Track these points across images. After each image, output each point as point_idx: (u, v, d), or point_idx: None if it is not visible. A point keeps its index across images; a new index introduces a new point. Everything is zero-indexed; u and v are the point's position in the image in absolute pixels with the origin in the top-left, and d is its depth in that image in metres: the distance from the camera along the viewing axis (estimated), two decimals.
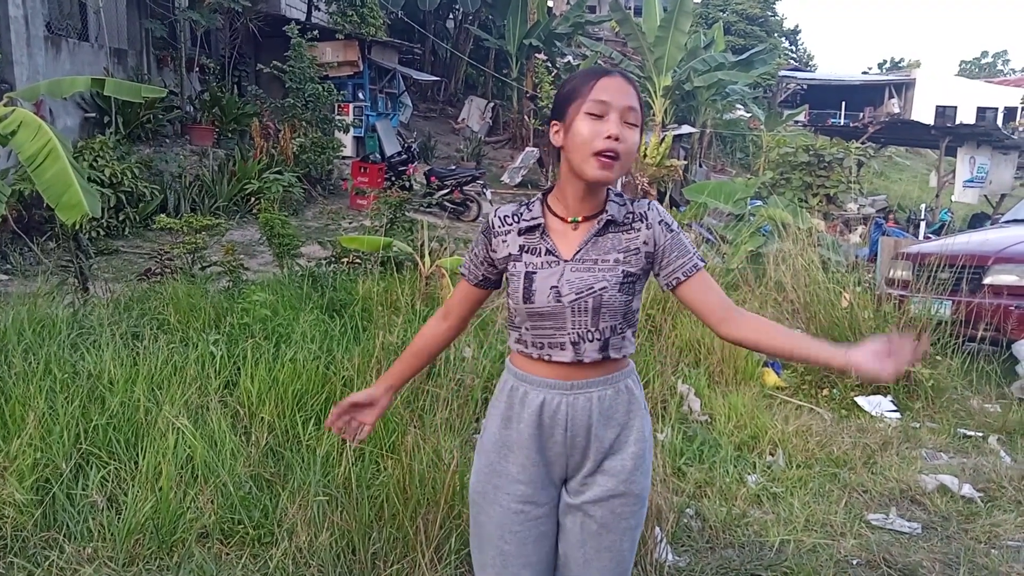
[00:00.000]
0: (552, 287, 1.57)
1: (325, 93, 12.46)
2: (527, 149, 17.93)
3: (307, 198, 11.76)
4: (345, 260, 6.69)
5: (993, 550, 2.98)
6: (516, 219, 1.64)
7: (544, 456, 1.64)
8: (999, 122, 31.16)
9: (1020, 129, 30.55)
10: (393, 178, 12.01)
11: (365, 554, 2.56)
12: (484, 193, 12.66)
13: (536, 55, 8.38)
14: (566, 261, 1.59)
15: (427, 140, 17.89)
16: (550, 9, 24.12)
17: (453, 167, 14.38)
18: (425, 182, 12.33)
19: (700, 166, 21.79)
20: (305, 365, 3.66)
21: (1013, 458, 3.99)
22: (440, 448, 2.78)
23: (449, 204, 12.41)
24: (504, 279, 1.70)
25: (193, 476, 2.89)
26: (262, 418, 3.36)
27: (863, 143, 13.52)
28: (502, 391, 1.70)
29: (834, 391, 4.87)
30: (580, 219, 1.61)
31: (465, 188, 12.46)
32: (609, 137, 1.49)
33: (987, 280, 5.55)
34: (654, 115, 17.66)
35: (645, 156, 15.72)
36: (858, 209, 16.00)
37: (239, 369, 3.70)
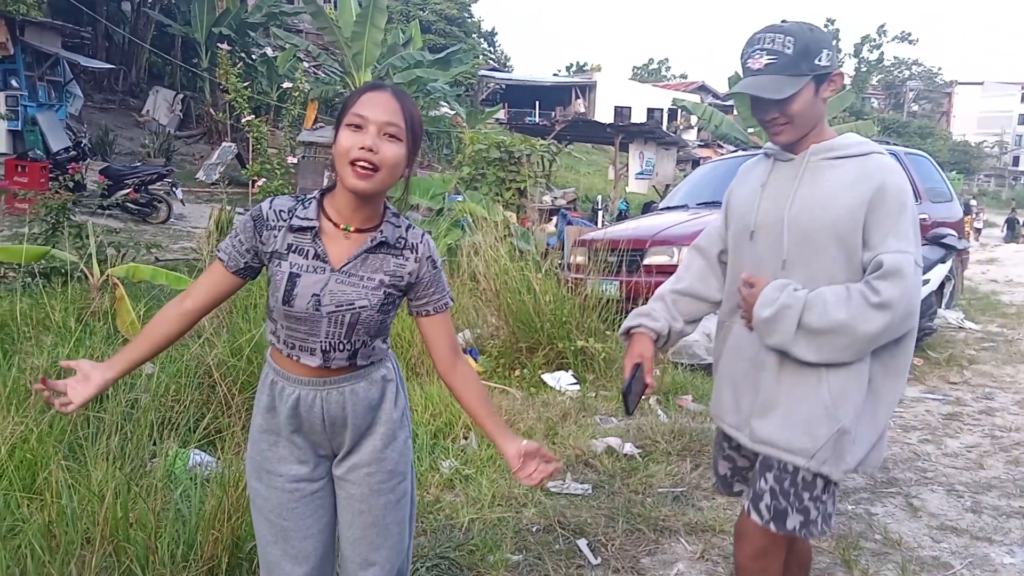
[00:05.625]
0: (314, 295, 1.60)
1: None
2: (224, 144, 16.89)
3: None
4: None
5: (648, 499, 3.41)
6: (290, 215, 1.63)
7: (309, 440, 1.73)
8: (664, 121, 35.80)
9: (680, 127, 35.37)
10: (60, 177, 10.60)
11: None
12: (174, 192, 11.67)
13: (220, 45, 7.90)
14: (333, 270, 1.61)
15: (104, 134, 16.06)
16: None
17: (137, 164, 13.08)
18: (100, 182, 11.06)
19: None
20: None
21: (667, 415, 4.60)
22: (98, 481, 2.50)
23: (133, 206, 11.26)
24: (263, 272, 1.71)
25: None
26: None
27: (548, 140, 14.69)
28: (264, 383, 1.74)
29: (524, 371, 5.24)
30: (352, 229, 1.63)
31: (151, 187, 11.38)
32: (363, 148, 1.53)
33: (646, 261, 6.34)
34: None
35: None
36: (552, 201, 17.41)
37: None
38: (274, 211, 1.64)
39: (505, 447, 1.75)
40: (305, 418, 1.69)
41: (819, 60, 1.80)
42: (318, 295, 1.60)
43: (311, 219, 1.62)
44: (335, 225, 1.64)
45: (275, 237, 1.62)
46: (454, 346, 1.78)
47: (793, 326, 1.78)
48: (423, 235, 1.72)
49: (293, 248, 1.61)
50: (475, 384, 1.79)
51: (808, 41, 1.79)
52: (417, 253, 1.69)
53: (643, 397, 2.13)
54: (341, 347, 1.65)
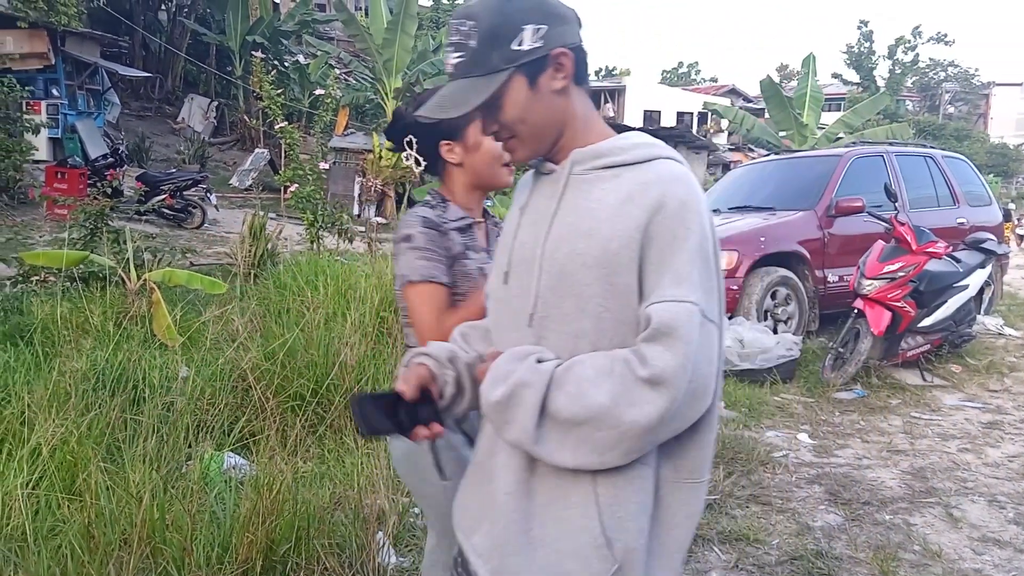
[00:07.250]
0: None
1: (6, 89, 10.89)
2: (257, 151, 17.14)
3: None
4: (36, 279, 5.92)
5: None
6: (444, 220, 1.73)
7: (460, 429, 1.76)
8: (695, 124, 35.59)
9: (711, 131, 35.16)
10: (98, 184, 10.85)
11: None
12: (208, 198, 11.86)
13: (253, 53, 8.03)
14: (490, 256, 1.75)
15: (141, 141, 16.38)
16: (276, 5, 23.25)
17: (172, 170, 13.33)
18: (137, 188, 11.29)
19: None
20: None
21: None
22: (135, 483, 2.54)
23: (169, 211, 11.46)
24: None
25: None
26: None
27: None
28: None
29: None
30: (481, 219, 1.83)
31: (186, 193, 11.58)
32: None
33: None
34: (387, 117, 17.74)
35: (381, 158, 15.73)
36: None
37: None
38: (435, 219, 1.72)
39: None
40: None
41: (519, 44, 1.20)
42: None
43: (464, 217, 1.76)
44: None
45: (453, 241, 1.72)
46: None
47: (534, 415, 1.16)
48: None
49: (467, 247, 1.74)
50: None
51: (496, 22, 1.20)
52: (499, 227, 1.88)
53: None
54: None
